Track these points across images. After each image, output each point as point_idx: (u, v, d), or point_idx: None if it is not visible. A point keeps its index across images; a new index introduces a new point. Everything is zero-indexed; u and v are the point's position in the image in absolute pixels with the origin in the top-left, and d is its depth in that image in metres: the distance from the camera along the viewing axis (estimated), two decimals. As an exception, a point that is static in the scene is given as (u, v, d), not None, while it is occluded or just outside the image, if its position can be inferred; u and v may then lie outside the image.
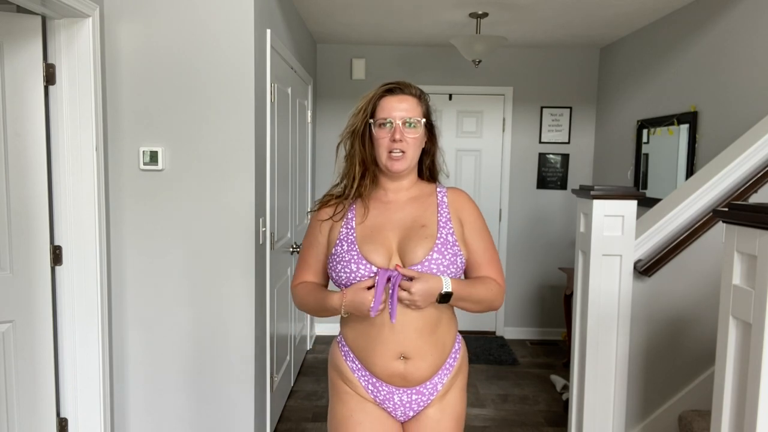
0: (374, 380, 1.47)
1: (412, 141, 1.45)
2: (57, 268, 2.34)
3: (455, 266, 1.43)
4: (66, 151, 2.30)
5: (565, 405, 3.42)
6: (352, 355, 1.50)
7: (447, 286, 1.38)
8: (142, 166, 2.47)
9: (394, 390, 1.47)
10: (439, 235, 1.44)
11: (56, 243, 2.33)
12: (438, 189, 1.55)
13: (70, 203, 2.32)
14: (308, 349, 4.42)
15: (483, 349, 4.51)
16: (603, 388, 2.45)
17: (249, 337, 2.57)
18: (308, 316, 4.40)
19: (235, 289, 2.54)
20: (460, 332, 1.60)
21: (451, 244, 1.44)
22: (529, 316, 4.92)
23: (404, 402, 1.47)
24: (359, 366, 1.49)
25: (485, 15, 3.60)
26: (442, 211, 1.49)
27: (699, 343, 2.52)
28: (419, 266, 1.39)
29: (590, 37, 4.27)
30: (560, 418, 3.34)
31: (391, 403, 1.48)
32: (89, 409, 2.41)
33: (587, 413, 2.46)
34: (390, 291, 1.37)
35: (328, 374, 1.60)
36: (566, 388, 3.64)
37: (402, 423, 1.53)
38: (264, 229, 2.73)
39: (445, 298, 1.39)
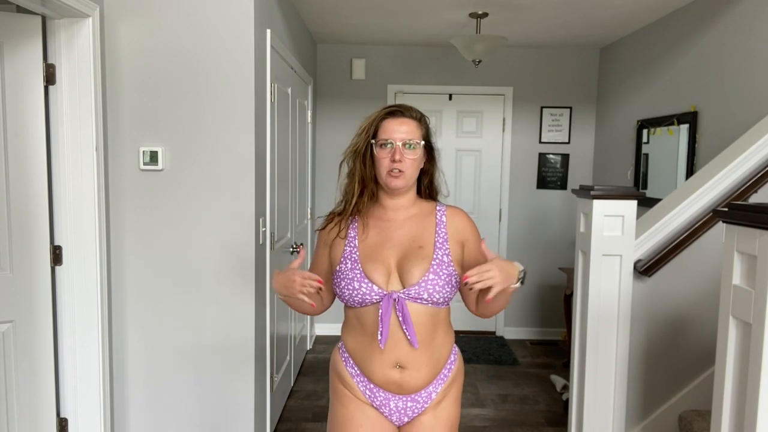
0: (372, 386, 1.53)
1: (411, 161, 1.50)
2: (57, 268, 2.34)
3: (450, 286, 1.49)
4: (66, 151, 2.30)
5: (565, 405, 3.42)
6: (351, 361, 1.56)
7: (519, 266, 1.45)
8: (142, 166, 2.47)
9: (390, 396, 1.52)
10: (435, 256, 1.49)
11: (56, 243, 2.33)
12: (438, 208, 1.59)
13: (70, 203, 2.32)
14: (308, 349, 4.42)
15: (483, 349, 4.51)
16: (603, 388, 2.45)
17: (249, 337, 2.57)
18: (308, 316, 4.41)
19: (235, 289, 2.54)
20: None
21: (446, 264, 1.49)
22: (529, 316, 4.92)
23: (399, 408, 1.53)
24: (358, 372, 1.55)
25: (485, 15, 3.60)
26: (439, 231, 1.54)
27: (699, 343, 2.52)
28: (416, 287, 1.45)
29: (590, 37, 4.27)
30: (560, 418, 3.34)
31: (387, 408, 1.54)
32: (89, 409, 2.41)
33: (587, 413, 2.46)
34: (399, 315, 1.45)
35: (330, 377, 1.65)
36: (566, 388, 3.64)
37: (398, 427, 1.58)
38: (264, 229, 2.73)
39: (523, 276, 1.45)
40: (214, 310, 2.55)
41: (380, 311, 1.44)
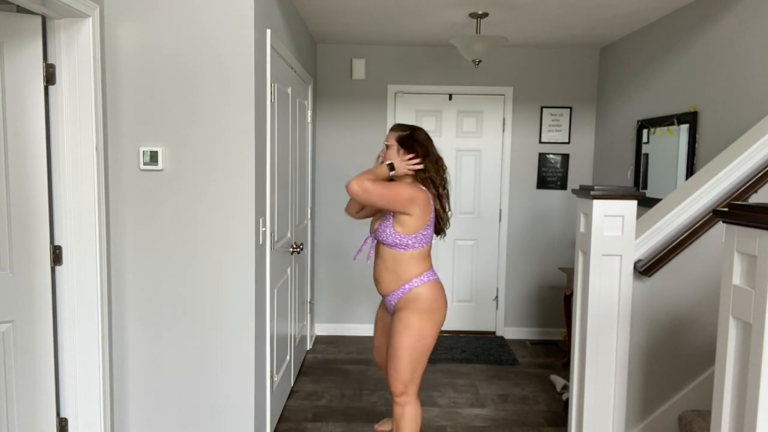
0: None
1: (390, 155, 2.47)
2: (57, 268, 2.34)
3: (391, 237, 2.38)
4: (66, 151, 2.30)
5: (565, 405, 3.42)
6: None
7: (391, 168, 2.42)
8: (142, 166, 2.47)
9: (383, 296, 2.55)
10: (385, 216, 2.43)
11: (56, 243, 2.33)
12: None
13: (70, 203, 2.32)
14: (308, 349, 4.42)
15: (483, 349, 4.51)
16: (603, 388, 2.45)
17: (249, 337, 2.57)
18: (308, 316, 4.41)
19: (235, 289, 2.54)
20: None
21: (389, 222, 2.41)
22: (529, 316, 4.92)
23: (388, 303, 2.52)
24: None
25: (485, 15, 3.60)
26: None
27: (699, 343, 2.52)
28: (375, 233, 2.46)
29: (590, 37, 4.27)
30: (560, 418, 3.34)
31: (386, 303, 2.55)
32: (89, 409, 2.41)
33: (587, 413, 2.46)
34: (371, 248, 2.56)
35: None
36: (566, 388, 3.64)
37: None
38: (264, 229, 2.73)
39: (390, 166, 2.41)
40: (213, 310, 2.55)
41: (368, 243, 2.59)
